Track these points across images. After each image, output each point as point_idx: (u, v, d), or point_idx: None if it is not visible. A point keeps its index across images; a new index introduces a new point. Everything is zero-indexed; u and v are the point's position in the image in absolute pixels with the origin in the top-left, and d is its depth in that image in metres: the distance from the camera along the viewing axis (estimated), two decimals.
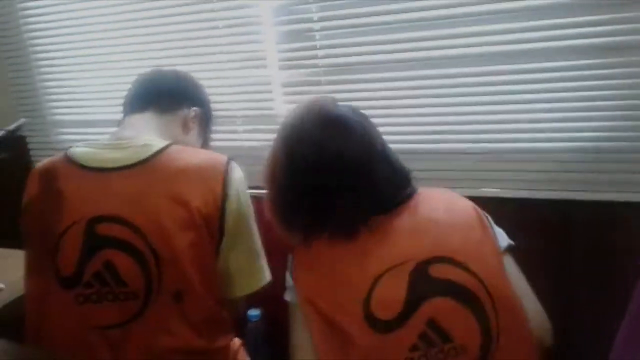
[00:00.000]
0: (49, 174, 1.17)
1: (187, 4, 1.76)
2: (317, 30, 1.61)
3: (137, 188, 1.11)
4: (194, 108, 1.34)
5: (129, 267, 1.08)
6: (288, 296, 1.06)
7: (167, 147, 1.17)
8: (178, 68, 1.43)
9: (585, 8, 1.30)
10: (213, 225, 1.11)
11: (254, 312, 1.50)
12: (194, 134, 1.35)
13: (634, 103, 1.32)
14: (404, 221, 1.02)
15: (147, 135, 1.21)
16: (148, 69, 1.39)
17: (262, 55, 1.71)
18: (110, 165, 1.14)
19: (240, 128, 1.80)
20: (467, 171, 1.51)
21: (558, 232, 1.42)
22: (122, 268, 1.08)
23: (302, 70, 1.67)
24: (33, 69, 2.10)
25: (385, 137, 1.55)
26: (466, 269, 0.96)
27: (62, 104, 2.11)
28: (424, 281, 0.95)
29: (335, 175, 1.03)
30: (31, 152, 2.21)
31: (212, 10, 1.73)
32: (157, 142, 1.18)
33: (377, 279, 0.95)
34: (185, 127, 1.32)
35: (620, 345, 0.88)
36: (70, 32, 2.00)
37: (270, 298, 1.53)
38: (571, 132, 1.39)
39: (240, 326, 1.40)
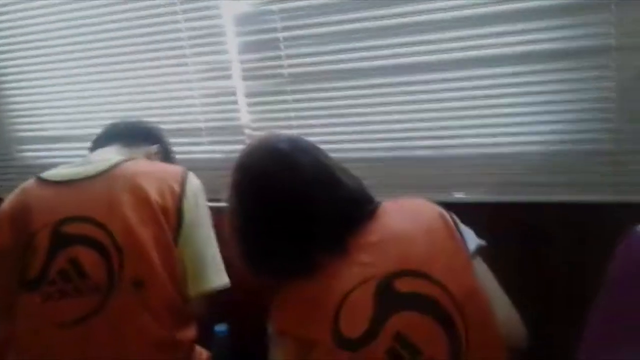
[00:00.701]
0: (18, 195, 1.26)
1: (150, 16, 1.75)
2: (282, 41, 1.61)
3: (101, 190, 1.20)
4: (156, 145, 1.46)
5: (93, 261, 1.14)
6: (269, 327, 1.07)
7: (127, 160, 1.29)
8: (143, 119, 1.56)
9: (544, 13, 1.32)
10: (171, 218, 1.19)
11: (221, 328, 1.47)
12: None
13: (594, 106, 1.34)
14: (369, 237, 1.02)
15: (113, 156, 1.31)
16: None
17: (227, 65, 1.70)
18: (74, 177, 1.25)
19: (205, 140, 1.79)
20: (435, 176, 1.51)
21: (529, 235, 1.43)
22: (86, 263, 1.14)
23: (267, 81, 1.66)
24: None
25: (351, 145, 1.58)
26: (432, 279, 0.96)
27: (23, 120, 2.06)
28: (389, 296, 0.95)
29: (289, 209, 1.03)
30: None
31: (176, 22, 1.72)
32: (118, 158, 1.29)
33: (345, 297, 0.96)
34: (148, 159, 1.41)
35: (588, 342, 0.89)
36: (30, 47, 1.96)
37: (238, 313, 1.52)
38: (535, 135, 1.41)
39: (204, 342, 1.37)
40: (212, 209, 1.53)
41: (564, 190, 1.39)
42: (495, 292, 1.04)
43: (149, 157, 1.42)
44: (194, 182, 1.28)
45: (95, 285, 1.13)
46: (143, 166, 1.29)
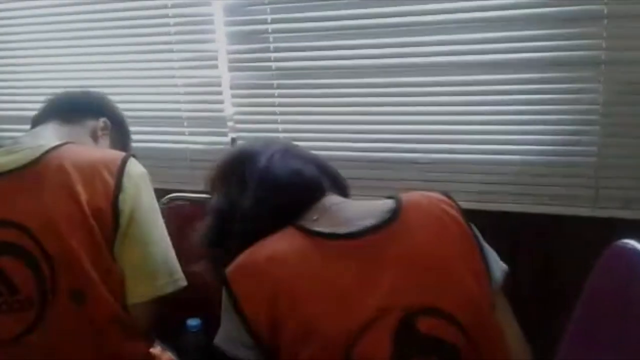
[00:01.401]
0: None
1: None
2: (271, 33, 1.59)
3: (25, 189, 1.06)
4: (102, 119, 1.30)
5: (21, 272, 1.02)
6: None
7: (61, 145, 1.13)
8: (90, 89, 1.41)
9: (534, 22, 1.33)
10: (104, 218, 1.05)
11: (193, 322, 1.44)
12: (104, 145, 1.30)
13: (580, 118, 1.36)
14: (391, 248, 0.89)
15: (45, 140, 1.16)
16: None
17: (213, 55, 1.67)
18: (0, 170, 1.09)
19: (187, 130, 1.76)
20: (416, 181, 1.51)
21: (504, 244, 1.43)
22: (14, 275, 1.02)
23: (254, 73, 1.65)
24: None
25: (334, 144, 1.57)
26: (455, 322, 0.85)
27: (3, 99, 2.00)
28: (410, 338, 0.84)
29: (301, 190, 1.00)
30: None
31: (164, 7, 1.68)
32: (51, 143, 1.13)
33: (360, 333, 0.82)
34: (94, 137, 1.28)
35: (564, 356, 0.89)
36: (10, 25, 1.90)
37: (212, 306, 1.49)
38: (516, 144, 1.42)
39: (176, 338, 1.34)
40: (188, 200, 1.52)
41: (543, 201, 1.40)
42: (511, 327, 0.96)
43: (94, 133, 1.28)
44: (134, 172, 1.11)
45: (27, 299, 1.02)
46: (74, 155, 1.11)
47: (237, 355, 0.88)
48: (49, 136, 1.18)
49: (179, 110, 1.75)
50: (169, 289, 1.11)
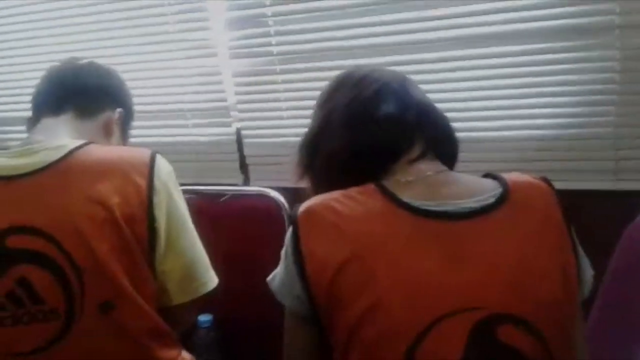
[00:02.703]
0: None
1: None
2: (271, 16, 1.57)
3: (50, 192, 1.02)
4: (119, 110, 1.25)
5: (46, 282, 0.98)
6: None
7: (83, 145, 1.08)
8: (97, 60, 1.30)
9: None
10: (139, 224, 1.02)
11: (204, 318, 1.45)
12: (115, 139, 1.26)
13: (596, 88, 1.33)
14: (483, 240, 0.81)
15: (62, 139, 1.11)
16: (60, 61, 1.27)
17: (212, 43, 1.65)
18: (19, 172, 1.04)
19: (190, 122, 1.75)
20: None
21: None
22: (38, 284, 0.98)
23: (255, 59, 1.63)
24: None
25: None
26: (539, 335, 0.78)
27: (3, 100, 1.99)
28: (486, 345, 0.76)
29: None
30: None
31: None
32: (72, 143, 1.08)
33: (430, 327, 0.75)
34: (107, 131, 1.23)
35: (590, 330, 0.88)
36: (14, 22, 1.88)
37: (223, 302, 1.50)
38: (530, 119, 1.40)
39: (188, 334, 1.35)
40: (195, 193, 1.52)
41: (562, 176, 1.36)
42: (582, 342, 0.89)
43: (107, 126, 1.22)
44: (163, 170, 1.08)
45: (52, 310, 0.98)
46: (99, 157, 1.07)
47: (285, 302, 0.87)
48: (66, 134, 1.14)
49: (181, 102, 1.74)
50: (211, 287, 1.13)
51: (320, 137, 0.96)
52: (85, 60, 1.28)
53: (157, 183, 1.05)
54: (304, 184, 1.00)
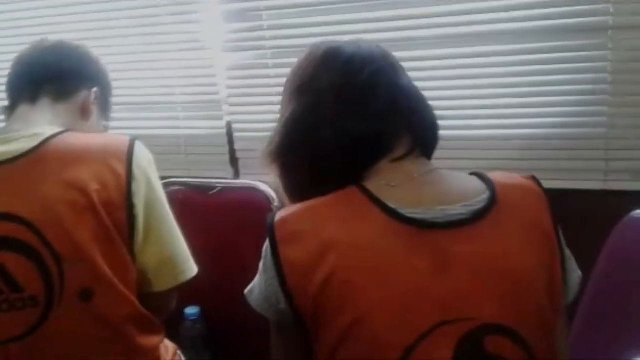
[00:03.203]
0: None
1: None
2: (264, 10, 1.57)
3: (27, 180, 1.01)
4: (94, 90, 1.22)
5: (24, 269, 0.98)
6: None
7: (60, 133, 1.08)
8: (67, 40, 1.27)
9: None
10: (118, 211, 1.01)
11: (191, 311, 1.45)
12: (94, 119, 1.24)
13: (589, 88, 1.34)
14: (471, 249, 0.78)
15: (39, 126, 1.10)
16: (29, 44, 1.24)
17: (204, 36, 1.65)
18: None
19: (181, 115, 1.74)
20: None
21: None
22: (16, 271, 0.97)
23: (247, 53, 1.63)
24: None
25: None
26: (524, 345, 0.76)
27: None
28: (474, 356, 0.74)
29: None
30: None
31: None
32: (48, 131, 1.08)
33: (418, 341, 0.73)
34: (84, 112, 1.21)
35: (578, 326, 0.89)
36: None
37: (211, 295, 1.51)
38: (523, 118, 1.41)
39: (174, 326, 1.35)
40: (184, 185, 1.52)
41: (553, 175, 1.37)
42: (565, 347, 0.88)
43: (84, 107, 1.20)
44: (142, 157, 1.07)
45: (31, 298, 0.98)
46: (77, 143, 1.06)
47: (268, 316, 0.82)
48: (43, 121, 1.13)
49: (172, 94, 1.74)
50: (190, 275, 1.13)
51: (304, 125, 0.87)
52: (54, 40, 1.25)
53: (136, 170, 1.05)
54: (274, 175, 0.92)
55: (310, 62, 0.90)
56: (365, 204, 0.79)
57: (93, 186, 1.00)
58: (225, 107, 1.70)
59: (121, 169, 1.03)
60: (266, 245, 0.80)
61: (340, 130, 0.84)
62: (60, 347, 1.00)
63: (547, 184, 1.35)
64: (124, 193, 1.02)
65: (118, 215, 1.02)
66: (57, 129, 1.09)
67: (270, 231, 0.79)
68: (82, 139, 1.09)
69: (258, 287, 0.83)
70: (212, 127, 1.72)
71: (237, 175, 1.72)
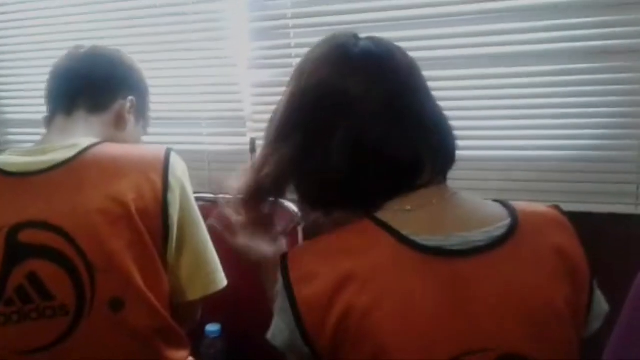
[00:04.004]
0: None
1: None
2: (292, 28, 1.59)
3: (64, 189, 1.03)
4: (130, 98, 1.24)
5: (57, 277, 0.99)
6: None
7: (97, 144, 1.11)
8: (101, 46, 1.29)
9: (579, 10, 1.31)
10: (153, 220, 1.03)
11: (212, 328, 1.45)
12: (131, 127, 1.26)
13: (621, 111, 1.33)
14: (492, 279, 0.76)
15: (76, 138, 1.13)
16: (66, 52, 1.26)
17: (231, 53, 1.67)
18: (33, 169, 1.05)
19: (205, 131, 1.76)
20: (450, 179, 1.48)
21: None
22: (48, 280, 0.99)
23: (274, 70, 1.64)
24: None
25: None
26: None
27: (10, 102, 2.04)
28: None
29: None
30: None
31: (183, 4, 1.69)
32: (85, 142, 1.10)
33: None
34: (119, 122, 1.23)
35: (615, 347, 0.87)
36: (18, 27, 1.94)
37: (232, 312, 1.51)
38: (555, 139, 1.40)
39: (195, 343, 1.35)
40: (207, 201, 1.52)
41: (583, 199, 1.37)
42: None
43: (119, 118, 1.22)
44: (178, 167, 1.10)
45: (61, 307, 0.99)
46: (115, 155, 1.09)
47: (290, 357, 0.81)
48: (80, 133, 1.15)
49: (197, 110, 1.76)
50: (220, 286, 1.15)
51: (315, 142, 0.83)
52: (88, 47, 1.26)
53: (171, 180, 1.07)
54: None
55: (325, 57, 0.86)
56: (378, 234, 0.77)
57: (130, 195, 1.02)
58: (249, 124, 1.72)
59: (157, 179, 1.05)
60: (280, 286, 0.79)
61: (357, 161, 0.81)
62: (87, 357, 1.00)
63: (577, 207, 1.34)
64: (160, 203, 1.05)
65: (153, 225, 1.03)
66: (93, 140, 1.11)
67: (283, 271, 0.79)
68: (119, 149, 1.11)
69: (279, 331, 0.81)
70: (236, 143, 1.74)
71: None
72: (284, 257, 0.80)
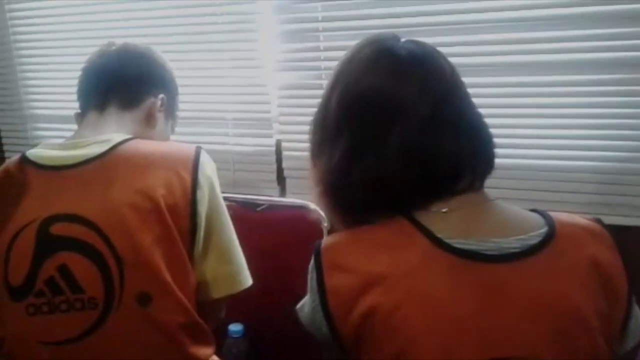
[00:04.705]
0: (2, 178, 1.10)
1: None
2: (322, 31, 1.60)
3: (96, 183, 1.05)
4: (161, 96, 1.25)
5: (87, 270, 1.00)
6: None
7: (128, 139, 1.12)
8: (132, 44, 1.29)
9: (614, 20, 1.31)
10: (182, 217, 1.04)
11: (235, 327, 1.46)
12: (160, 125, 1.27)
13: None
14: (524, 285, 0.75)
15: (108, 134, 1.14)
16: (98, 48, 1.27)
17: (259, 54, 1.69)
18: (67, 162, 1.08)
19: (231, 131, 1.78)
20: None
21: None
22: (78, 272, 1.00)
23: (302, 73, 1.66)
24: (14, 62, 2.07)
25: None
26: None
27: (40, 98, 2.08)
28: None
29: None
30: (4, 147, 2.19)
31: (212, 5, 1.71)
32: (117, 137, 1.12)
33: None
34: (149, 120, 1.24)
35: None
36: (48, 22, 1.98)
37: (255, 312, 1.51)
38: (594, 150, 1.39)
39: (217, 343, 1.36)
40: (233, 202, 1.54)
41: (619, 211, 1.36)
42: None
43: (150, 115, 1.23)
44: (207, 166, 1.11)
45: (90, 300, 1.00)
46: (146, 151, 1.11)
47: (315, 335, 0.82)
48: (112, 129, 1.17)
49: (224, 111, 1.78)
50: (246, 284, 1.16)
51: (368, 145, 0.83)
52: (119, 45, 1.27)
53: (201, 178, 1.08)
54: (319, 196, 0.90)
55: (376, 60, 0.85)
56: (413, 234, 0.78)
57: (160, 191, 1.03)
58: (276, 126, 1.73)
59: (187, 176, 1.07)
60: (312, 268, 0.81)
61: (407, 164, 0.81)
62: (114, 351, 1.01)
63: (613, 220, 1.32)
64: (189, 200, 1.05)
65: (182, 221, 1.04)
66: (125, 136, 1.13)
67: (316, 257, 0.80)
68: (150, 145, 1.13)
69: (307, 306, 0.83)
70: (262, 144, 1.75)
71: (283, 193, 1.74)
72: (319, 243, 0.82)
